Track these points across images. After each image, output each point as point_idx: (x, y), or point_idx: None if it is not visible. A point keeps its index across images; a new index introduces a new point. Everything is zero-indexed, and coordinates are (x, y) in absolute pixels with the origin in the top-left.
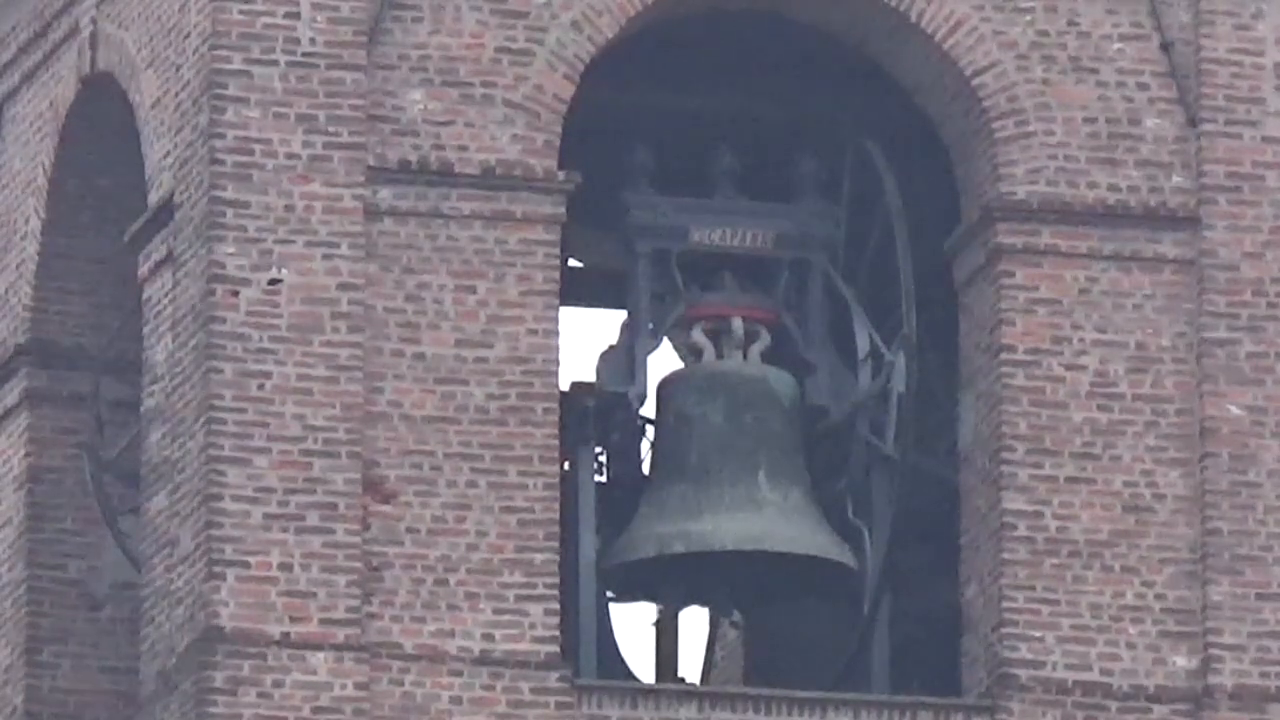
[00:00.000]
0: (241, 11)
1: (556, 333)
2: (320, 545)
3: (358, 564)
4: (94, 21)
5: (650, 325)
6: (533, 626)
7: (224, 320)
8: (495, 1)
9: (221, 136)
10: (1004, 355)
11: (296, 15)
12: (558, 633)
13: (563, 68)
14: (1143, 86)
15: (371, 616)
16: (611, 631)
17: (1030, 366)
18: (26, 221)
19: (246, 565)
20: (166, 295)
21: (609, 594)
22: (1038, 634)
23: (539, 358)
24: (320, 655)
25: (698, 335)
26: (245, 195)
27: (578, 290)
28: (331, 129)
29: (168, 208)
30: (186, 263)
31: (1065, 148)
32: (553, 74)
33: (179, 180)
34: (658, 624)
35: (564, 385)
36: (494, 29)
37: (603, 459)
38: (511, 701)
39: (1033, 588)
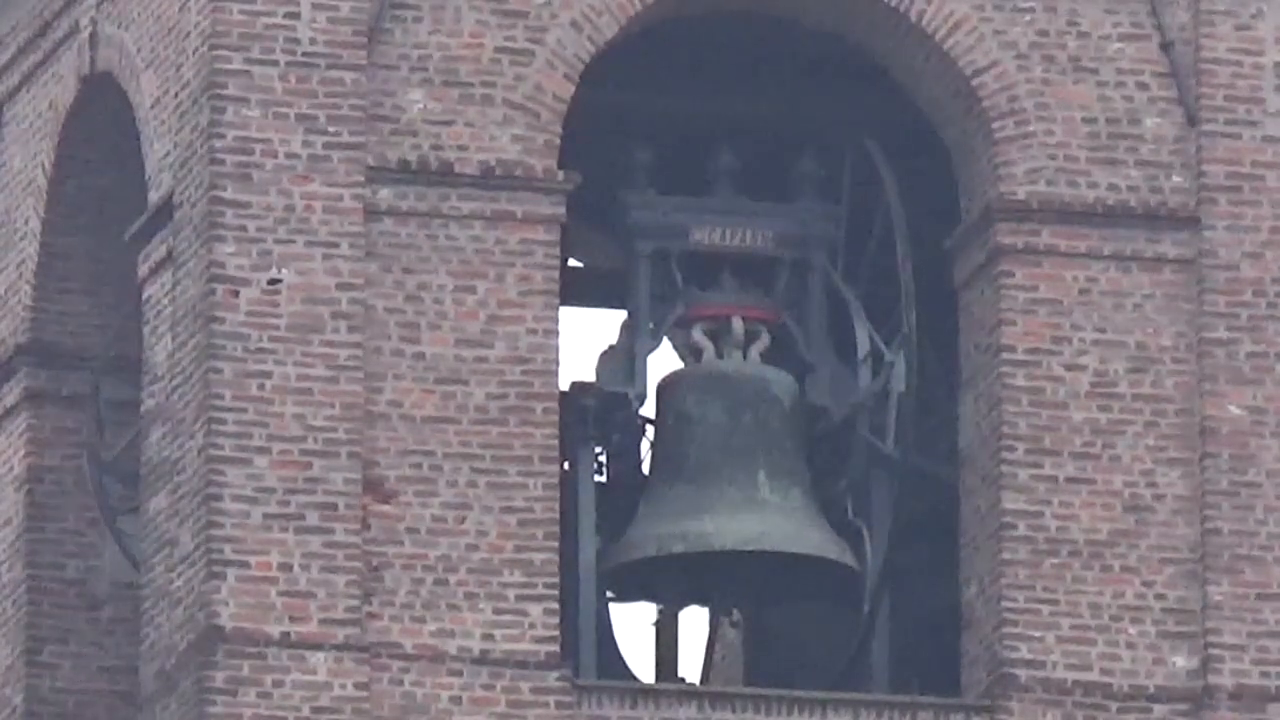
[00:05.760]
0: (241, 11)
1: (556, 333)
2: (320, 545)
3: (358, 564)
4: (94, 21)
5: (650, 325)
6: (533, 626)
7: (224, 320)
8: (495, 1)
9: (221, 136)
10: (1004, 355)
11: (296, 15)
12: (558, 633)
13: (563, 68)
14: (1143, 86)
15: (371, 616)
16: (611, 631)
17: (1030, 366)
18: (26, 221)
19: (246, 565)
20: (166, 295)
21: (609, 594)
22: (1038, 634)
23: (539, 358)
24: (320, 655)
25: (698, 335)
26: (245, 195)
27: (578, 290)
28: (331, 129)
29: (168, 208)
30: (186, 263)
31: (1065, 148)
32: (553, 74)
33: (179, 180)
34: (658, 624)
35: (564, 385)
36: (494, 29)
37: (603, 459)
38: (511, 701)
39: (1033, 588)
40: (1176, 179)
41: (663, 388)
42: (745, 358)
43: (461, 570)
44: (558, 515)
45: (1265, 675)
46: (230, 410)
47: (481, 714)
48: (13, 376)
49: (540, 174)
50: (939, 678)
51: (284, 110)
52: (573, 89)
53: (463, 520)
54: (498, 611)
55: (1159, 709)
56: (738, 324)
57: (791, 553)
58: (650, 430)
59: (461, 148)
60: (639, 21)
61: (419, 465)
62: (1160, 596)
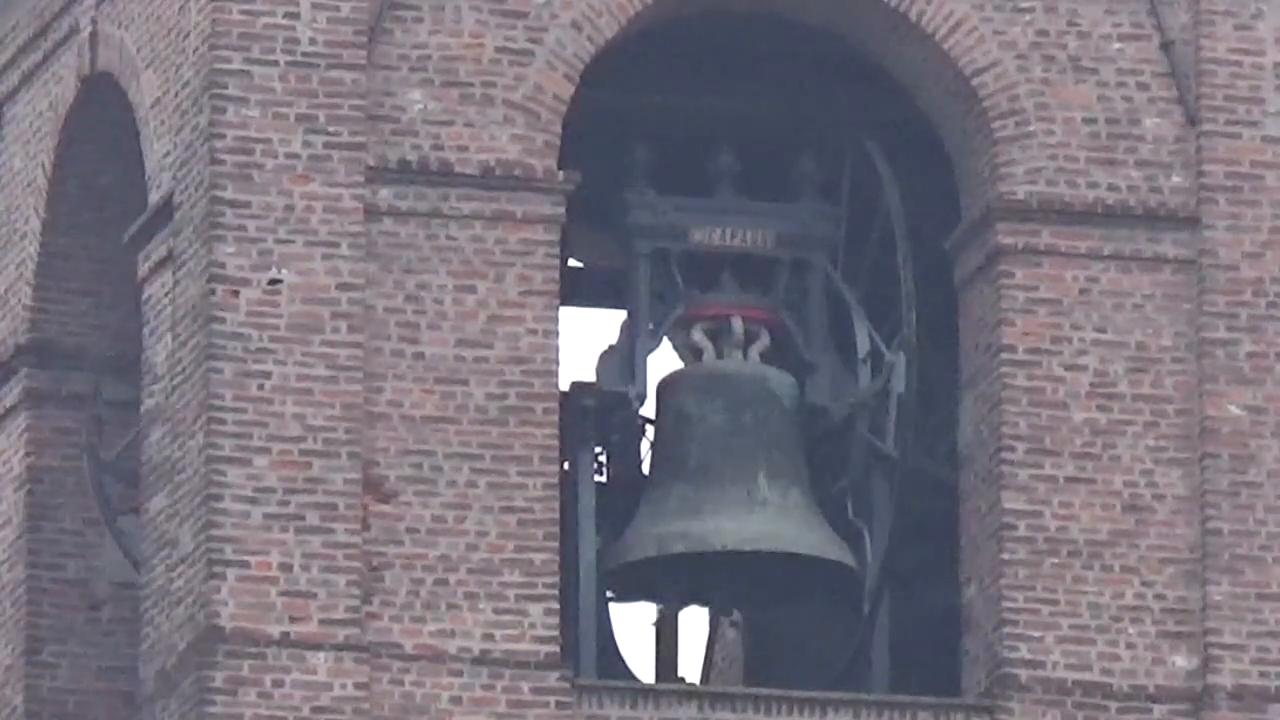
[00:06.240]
0: (241, 11)
1: (556, 333)
2: (320, 545)
3: (358, 564)
4: (94, 21)
5: (650, 325)
6: (533, 626)
7: (224, 320)
8: (495, 1)
9: (221, 136)
10: (1004, 355)
11: (296, 15)
12: (558, 633)
13: (563, 68)
14: (1143, 86)
15: (371, 616)
16: (611, 631)
17: (1030, 366)
18: (26, 221)
19: (246, 565)
20: (166, 295)
21: (609, 594)
22: (1038, 634)
23: (539, 358)
24: (320, 655)
25: (698, 335)
26: (245, 195)
27: (578, 290)
28: (331, 129)
29: (168, 208)
30: (186, 263)
31: (1065, 148)
32: (553, 74)
33: (179, 180)
34: (658, 624)
35: (564, 385)
36: (494, 29)
37: (603, 459)
38: (511, 701)
39: (1033, 588)
40: (1176, 179)
41: (663, 388)
42: (745, 358)
43: (461, 570)
44: (558, 515)
45: (1265, 675)
46: (230, 410)
47: (481, 714)
48: (13, 376)
49: (540, 174)
50: (939, 678)
51: (284, 110)
52: (573, 89)
53: (463, 520)
54: (498, 611)
55: (1159, 709)
56: (738, 324)
57: (791, 553)
58: (650, 430)
59: (461, 148)
60: (639, 21)
61: (419, 465)
62: (1160, 596)
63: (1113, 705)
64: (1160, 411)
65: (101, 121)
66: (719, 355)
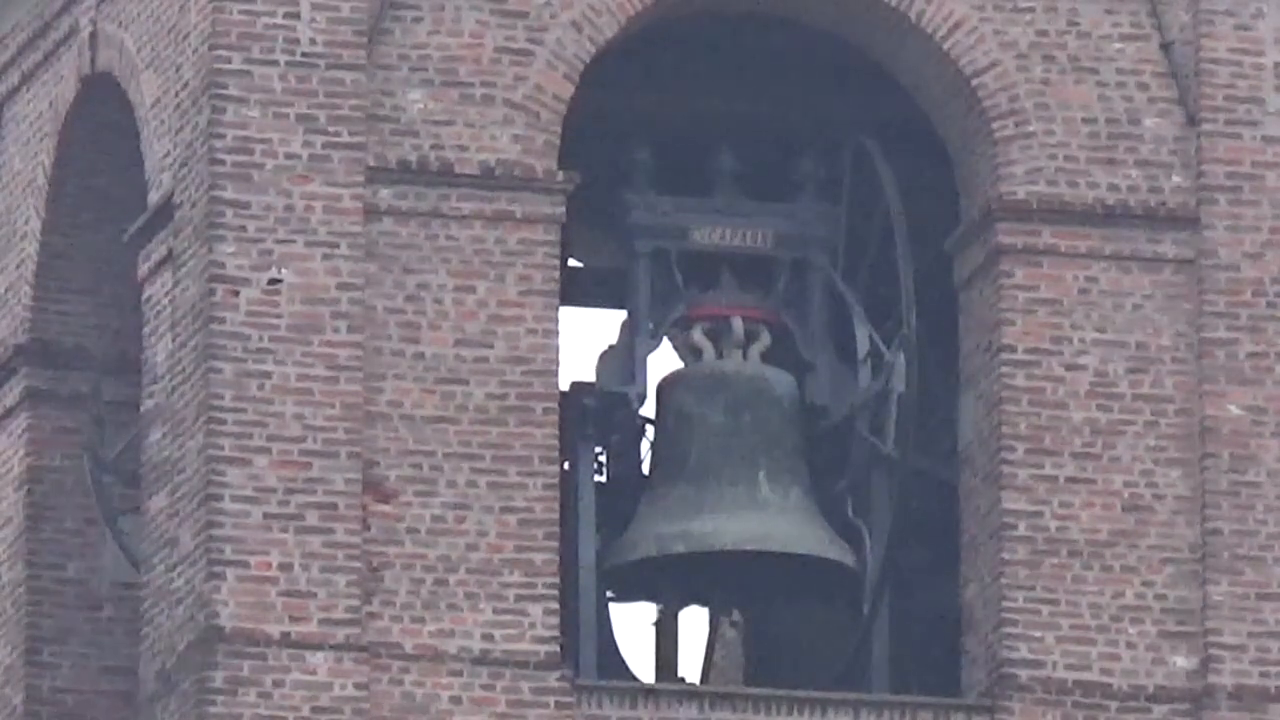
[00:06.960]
0: (241, 11)
1: (556, 333)
2: (320, 545)
3: (358, 564)
4: (94, 21)
5: (650, 325)
6: (533, 626)
7: (224, 320)
8: (495, 1)
9: (221, 136)
10: (1004, 355)
11: (296, 15)
12: (558, 633)
13: (563, 68)
14: (1143, 86)
15: (371, 616)
16: (611, 631)
17: (1030, 366)
18: (26, 221)
19: (246, 565)
20: (166, 295)
21: (609, 594)
22: (1038, 634)
23: (539, 358)
24: (320, 655)
25: (698, 335)
26: (245, 195)
27: (578, 290)
28: (331, 129)
29: (168, 208)
30: (186, 263)
31: (1065, 148)
32: (553, 74)
33: (179, 180)
34: (658, 624)
35: (564, 385)
36: (494, 29)
37: (603, 459)
38: (511, 701)
39: (1033, 588)
40: (1176, 179)
41: (663, 388)
42: (745, 358)
43: (461, 570)
44: (558, 515)
45: (1265, 675)
46: (230, 410)
47: (481, 714)
48: (13, 376)
49: (540, 174)
50: (939, 678)
51: (284, 110)
52: (573, 89)
53: (463, 520)
54: (498, 611)
55: (1159, 709)
56: (738, 324)
57: (791, 553)
58: (650, 430)
59: (461, 148)
60: (639, 21)
61: (419, 465)
62: (1160, 596)
63: (1113, 705)
64: (1160, 411)
65: (101, 121)
66: (719, 355)
